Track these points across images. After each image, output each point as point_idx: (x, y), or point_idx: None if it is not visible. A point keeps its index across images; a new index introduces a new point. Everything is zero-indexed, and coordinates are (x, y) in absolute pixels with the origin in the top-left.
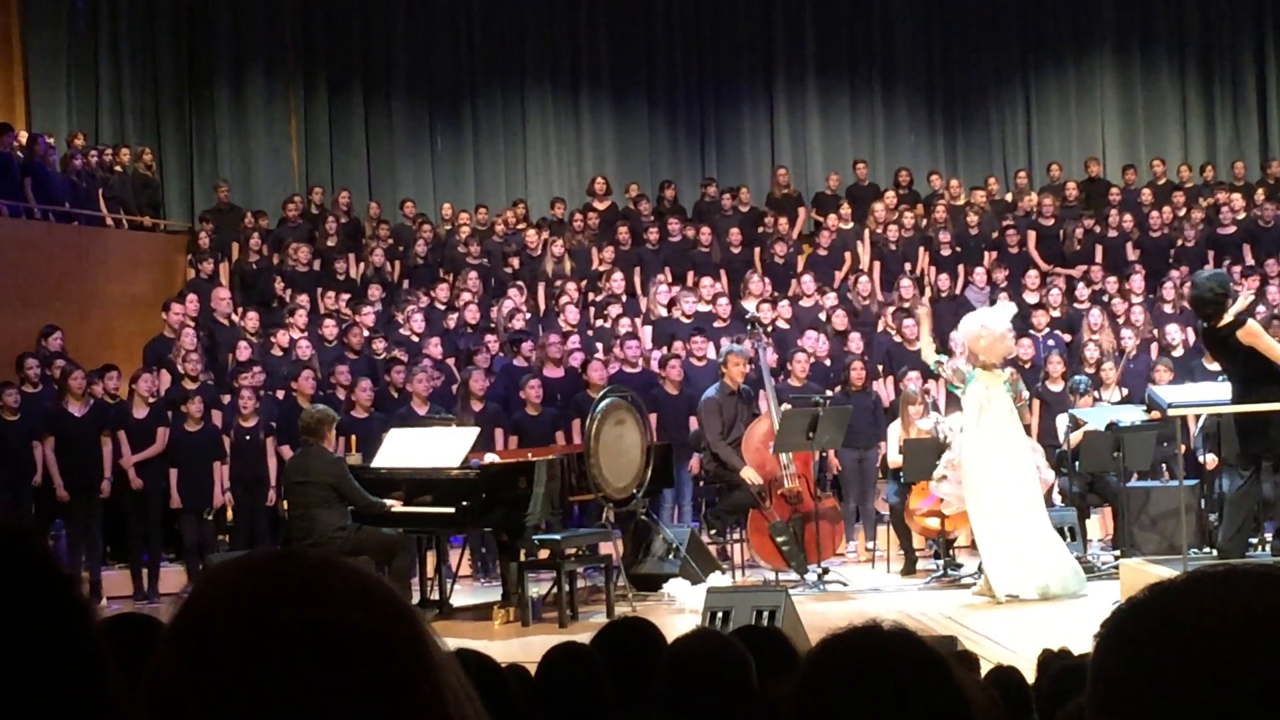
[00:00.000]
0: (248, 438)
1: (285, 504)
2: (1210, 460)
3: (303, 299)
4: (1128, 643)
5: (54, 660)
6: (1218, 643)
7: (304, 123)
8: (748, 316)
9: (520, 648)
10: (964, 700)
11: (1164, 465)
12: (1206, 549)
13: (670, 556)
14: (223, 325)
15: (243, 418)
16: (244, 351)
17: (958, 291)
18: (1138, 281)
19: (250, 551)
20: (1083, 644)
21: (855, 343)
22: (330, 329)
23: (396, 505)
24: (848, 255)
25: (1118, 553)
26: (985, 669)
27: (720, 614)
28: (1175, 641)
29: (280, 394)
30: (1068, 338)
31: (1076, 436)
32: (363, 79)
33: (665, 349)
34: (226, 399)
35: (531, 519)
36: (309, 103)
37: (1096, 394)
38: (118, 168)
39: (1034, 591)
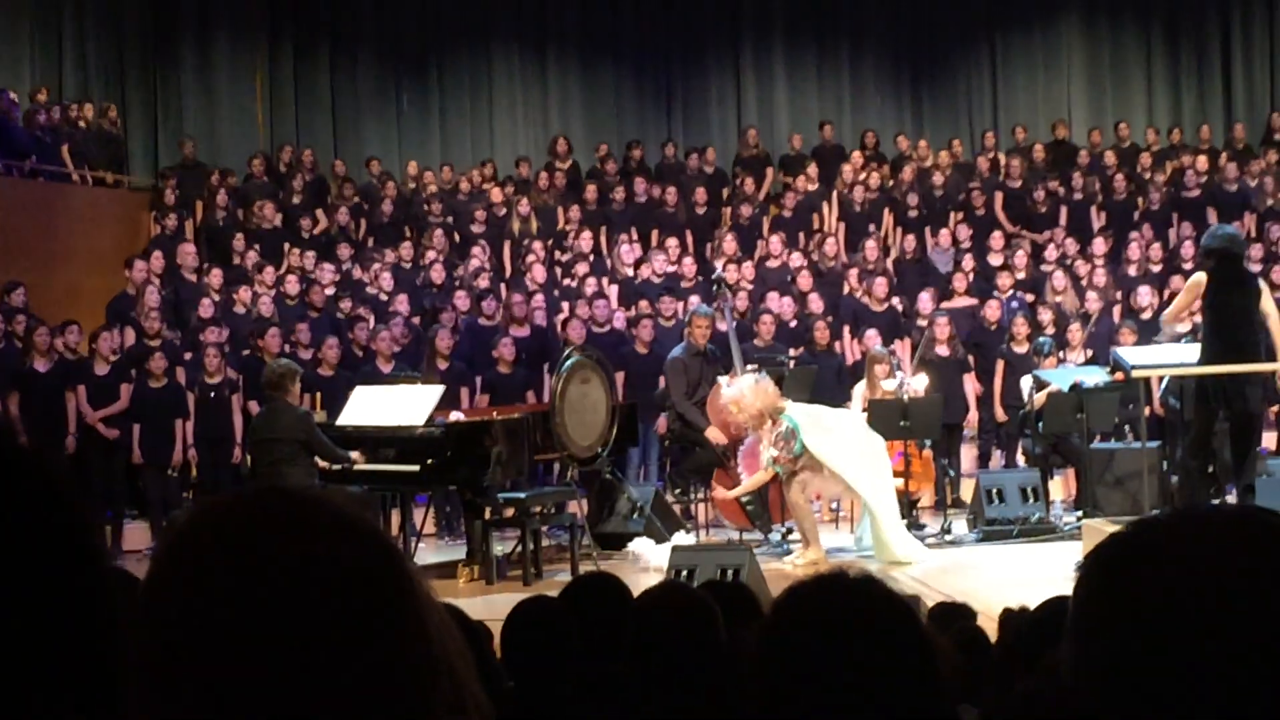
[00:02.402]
0: (212, 394)
1: (249, 460)
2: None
3: (256, 256)
4: (1110, 574)
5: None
6: (1199, 575)
7: (269, 80)
8: (714, 277)
9: (484, 606)
10: (929, 646)
11: (1127, 426)
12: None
13: (635, 515)
14: (188, 282)
15: (207, 374)
16: (207, 309)
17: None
18: (1100, 244)
19: (238, 488)
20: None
21: (820, 303)
22: (293, 286)
23: (359, 458)
24: (814, 216)
25: (1080, 513)
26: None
27: (685, 572)
28: (1157, 573)
29: (245, 352)
30: (1030, 298)
31: (1040, 398)
32: (329, 37)
33: (632, 309)
34: (190, 356)
35: (492, 478)
36: (275, 60)
37: (1061, 355)
38: (82, 123)
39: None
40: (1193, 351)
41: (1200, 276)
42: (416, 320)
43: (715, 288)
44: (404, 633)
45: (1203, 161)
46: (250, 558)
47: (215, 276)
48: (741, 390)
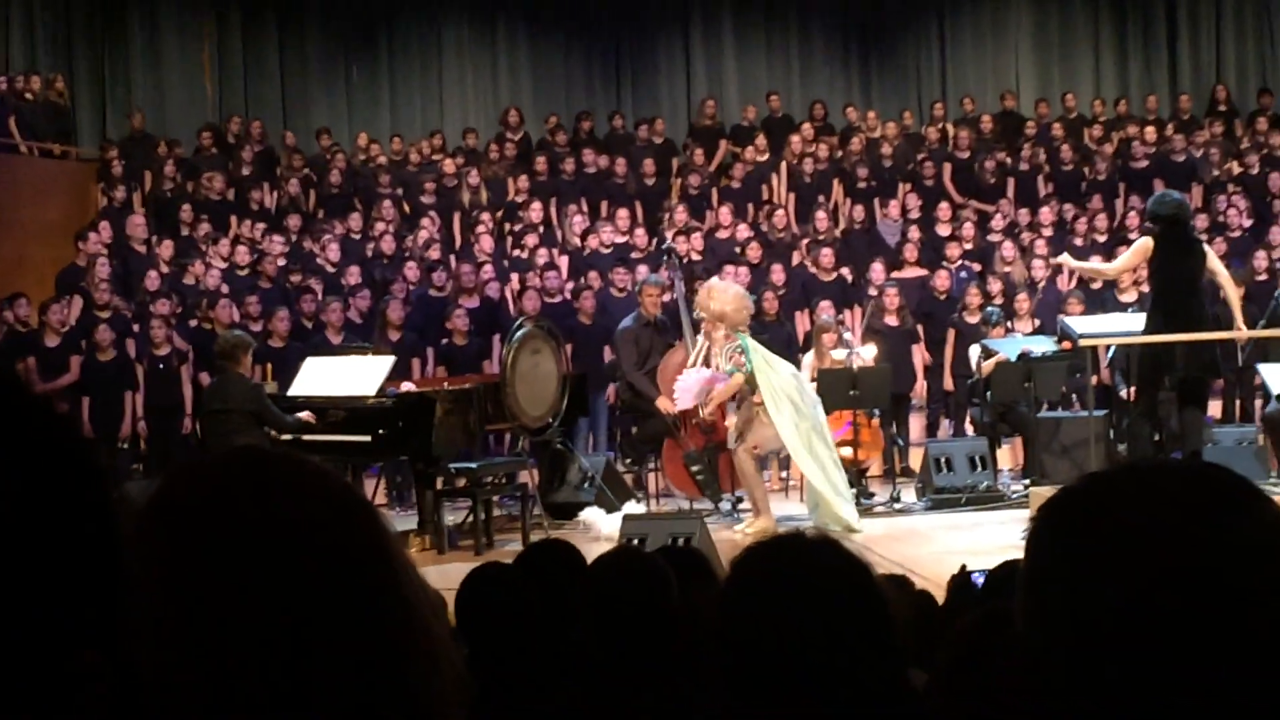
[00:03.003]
0: (161, 366)
1: (199, 431)
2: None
3: (207, 227)
4: (1062, 525)
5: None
6: (1147, 525)
7: (218, 51)
8: (664, 247)
9: (436, 575)
10: (884, 604)
11: (1074, 395)
12: None
13: (585, 485)
14: (137, 253)
15: (154, 346)
16: (154, 281)
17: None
18: (1047, 214)
19: (215, 450)
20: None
21: (781, 275)
22: (243, 257)
23: (310, 416)
24: (763, 187)
25: (1028, 481)
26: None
27: (636, 541)
28: (1107, 523)
29: (194, 323)
30: (978, 267)
31: (988, 366)
32: (277, 7)
33: (580, 279)
34: (139, 328)
35: (436, 450)
36: (223, 31)
37: (1009, 325)
38: (29, 95)
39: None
40: (1139, 320)
41: (1147, 241)
42: (367, 292)
43: (665, 258)
44: (383, 589)
45: (1150, 132)
46: (230, 516)
47: (165, 248)
48: (727, 287)
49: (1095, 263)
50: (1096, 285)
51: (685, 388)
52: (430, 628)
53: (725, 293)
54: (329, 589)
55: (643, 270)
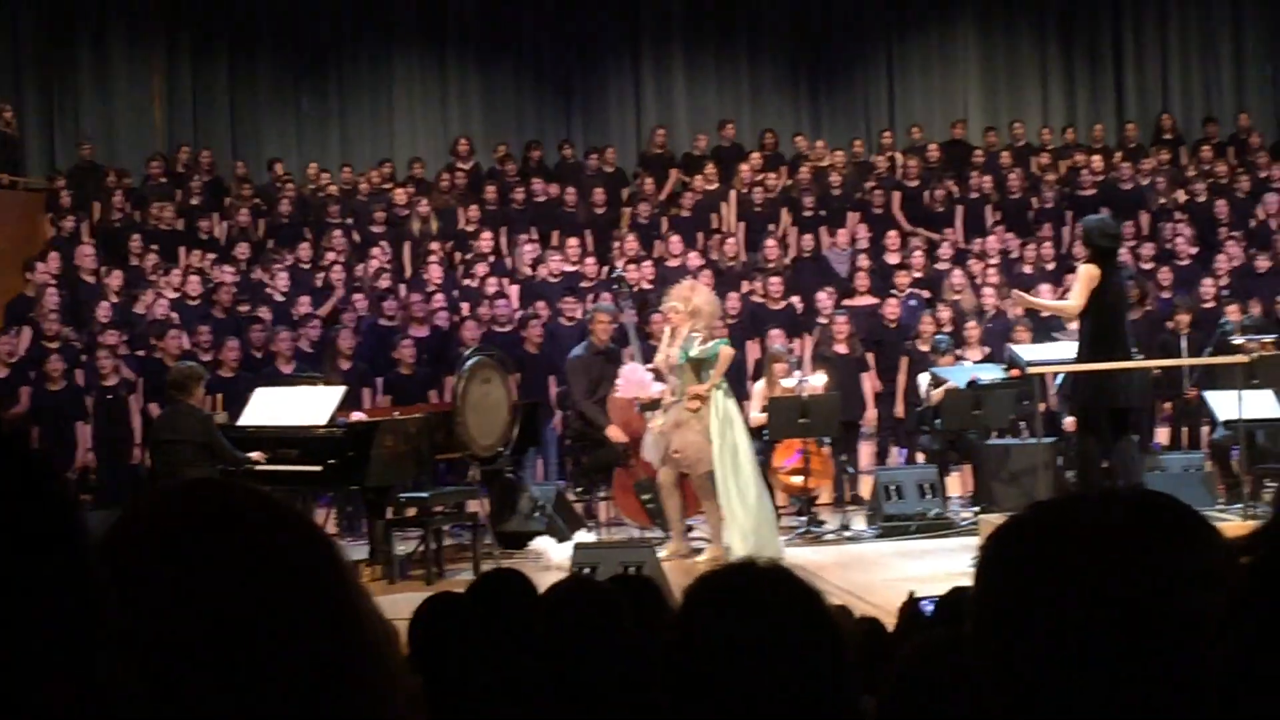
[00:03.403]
0: (110, 396)
1: (149, 462)
2: (1070, 422)
3: (156, 258)
4: (1011, 552)
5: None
6: (1094, 551)
7: (168, 81)
8: (614, 276)
9: (387, 604)
10: (836, 630)
11: (1023, 423)
12: None
13: (536, 514)
14: (87, 284)
15: (104, 377)
16: (105, 311)
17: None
18: (993, 242)
19: (171, 480)
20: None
21: (735, 304)
22: (194, 288)
23: (260, 458)
24: (713, 216)
25: (977, 508)
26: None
27: (587, 570)
28: (1055, 549)
29: (143, 353)
30: (926, 294)
31: (937, 394)
32: (228, 37)
33: (529, 309)
34: (87, 358)
35: (371, 480)
36: (172, 61)
37: (958, 352)
38: None
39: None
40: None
41: (1094, 269)
42: (317, 321)
43: (615, 287)
44: (338, 614)
45: (1097, 161)
46: (190, 545)
47: (115, 278)
48: (704, 291)
49: (1047, 299)
50: (1045, 314)
51: (630, 377)
52: (386, 653)
53: (707, 294)
54: (288, 616)
55: (596, 299)
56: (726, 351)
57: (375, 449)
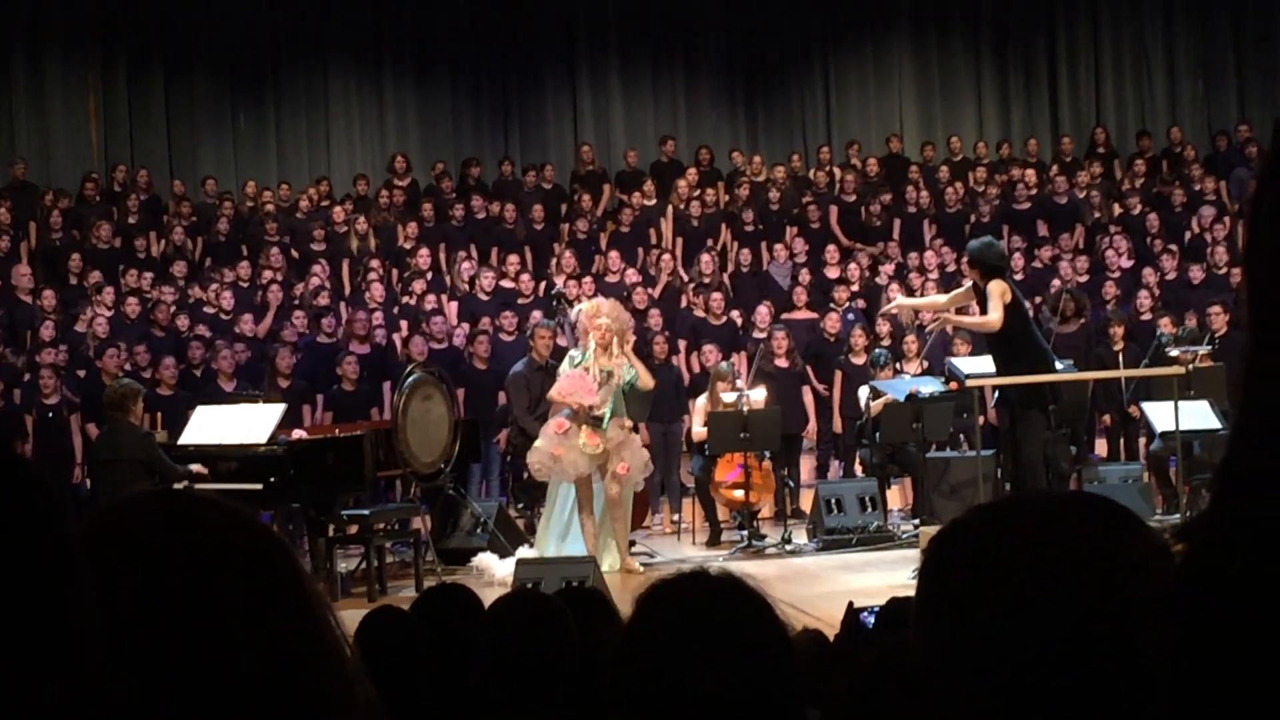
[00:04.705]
0: (50, 415)
1: (90, 481)
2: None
3: (97, 276)
4: (951, 556)
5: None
6: (1032, 553)
7: (103, 100)
8: (553, 292)
9: None
10: (786, 639)
11: (962, 435)
12: None
13: (478, 530)
14: (23, 303)
15: (44, 395)
16: (47, 330)
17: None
18: (931, 257)
19: (131, 491)
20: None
21: (657, 318)
22: (133, 307)
23: (201, 469)
24: (651, 231)
25: (918, 521)
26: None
27: (530, 585)
28: (994, 552)
29: (83, 373)
30: (863, 304)
31: (877, 407)
32: (163, 55)
33: (472, 325)
34: (28, 377)
35: (311, 498)
36: (108, 79)
37: (897, 366)
38: None
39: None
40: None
41: (1003, 284)
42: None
43: (554, 303)
44: (298, 618)
45: (1032, 175)
46: (152, 551)
47: (48, 297)
48: (615, 305)
49: (974, 317)
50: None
51: (572, 376)
52: (344, 660)
53: (615, 308)
54: (248, 620)
55: (535, 315)
56: (646, 377)
57: (316, 466)
